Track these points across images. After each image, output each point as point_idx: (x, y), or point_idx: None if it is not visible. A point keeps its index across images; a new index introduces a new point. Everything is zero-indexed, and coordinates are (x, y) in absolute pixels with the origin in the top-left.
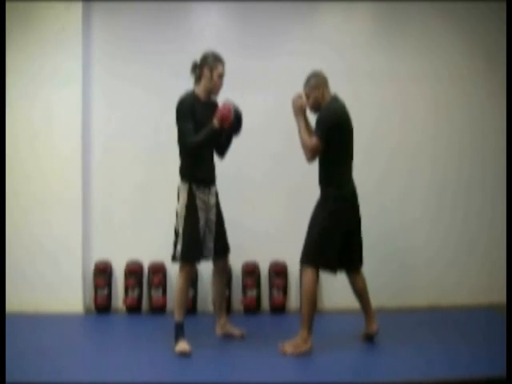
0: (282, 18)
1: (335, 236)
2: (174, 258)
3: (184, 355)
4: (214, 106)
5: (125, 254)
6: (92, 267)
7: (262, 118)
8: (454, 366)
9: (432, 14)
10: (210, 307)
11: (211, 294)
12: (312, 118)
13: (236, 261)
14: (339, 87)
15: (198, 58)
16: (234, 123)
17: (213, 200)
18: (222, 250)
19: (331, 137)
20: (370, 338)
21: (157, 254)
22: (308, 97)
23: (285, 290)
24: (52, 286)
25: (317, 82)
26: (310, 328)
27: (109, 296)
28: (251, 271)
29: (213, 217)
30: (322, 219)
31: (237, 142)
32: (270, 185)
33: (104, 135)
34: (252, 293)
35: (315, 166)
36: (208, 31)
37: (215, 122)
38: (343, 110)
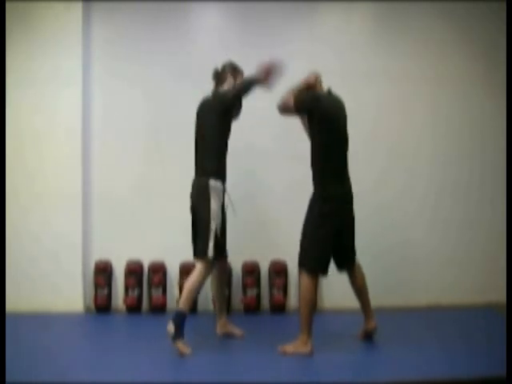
0: (281, 18)
1: (324, 238)
2: (204, 253)
3: (183, 355)
4: None
5: (125, 253)
6: (92, 266)
7: (261, 118)
8: (453, 365)
9: (432, 14)
10: (211, 307)
11: (212, 293)
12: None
13: (236, 260)
14: (338, 87)
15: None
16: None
17: (226, 198)
18: (224, 249)
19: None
20: (368, 336)
21: (157, 254)
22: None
23: (285, 289)
24: (52, 285)
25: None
26: (309, 331)
27: (109, 295)
28: (251, 270)
29: (225, 215)
30: (310, 223)
31: (236, 141)
32: (270, 184)
33: (104, 134)
34: (252, 292)
35: None
36: (208, 31)
37: (258, 75)
38: (337, 101)
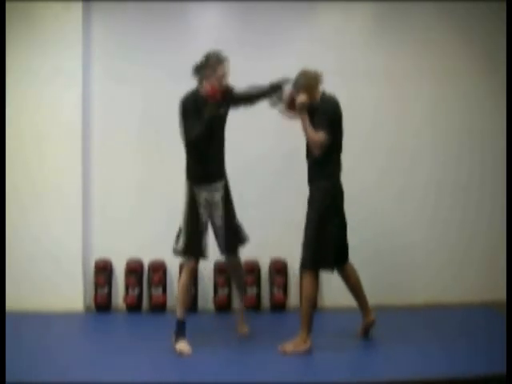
0: (281, 17)
1: (331, 232)
2: (176, 252)
3: (184, 355)
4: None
5: (125, 252)
6: (92, 265)
7: (261, 118)
8: (453, 364)
9: (431, 13)
10: (211, 306)
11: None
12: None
13: None
14: (337, 87)
15: (198, 58)
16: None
17: (218, 196)
18: (230, 246)
19: (333, 128)
20: (367, 332)
21: (157, 252)
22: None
23: (285, 287)
24: (52, 284)
25: (306, 83)
26: (309, 329)
27: (109, 294)
28: (251, 269)
29: (219, 212)
30: (315, 221)
31: (236, 140)
32: (270, 183)
33: (104, 134)
34: (252, 291)
35: None
36: (208, 30)
37: (208, 105)
38: (338, 103)
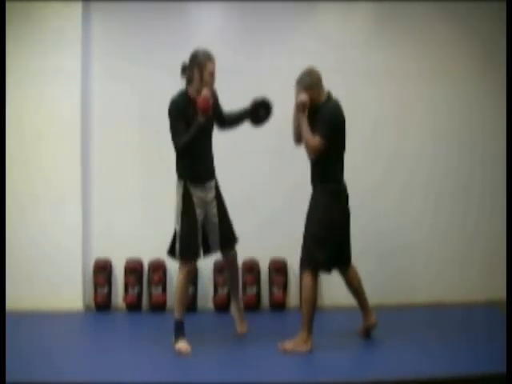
0: (281, 16)
1: (332, 234)
2: (173, 254)
3: (183, 355)
4: None
5: (125, 251)
6: (92, 265)
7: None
8: (454, 363)
9: (432, 13)
10: (210, 305)
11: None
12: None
13: None
14: (338, 86)
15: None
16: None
17: (211, 195)
18: (227, 243)
19: (333, 136)
20: (368, 332)
21: (157, 252)
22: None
23: (285, 287)
24: (52, 283)
25: (311, 83)
26: (309, 329)
27: (109, 294)
28: (251, 268)
29: (214, 211)
30: (319, 220)
31: (236, 139)
32: (270, 182)
33: (103, 134)
34: (252, 290)
35: None
36: (207, 29)
37: (199, 116)
38: (341, 108)
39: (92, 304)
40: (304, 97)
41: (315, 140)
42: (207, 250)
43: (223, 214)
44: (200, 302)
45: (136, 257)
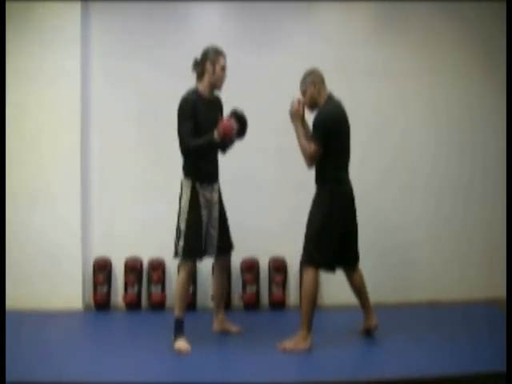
0: (281, 15)
1: (334, 234)
2: (176, 254)
3: (183, 354)
4: (217, 102)
5: (124, 250)
6: (91, 264)
7: (261, 116)
8: (454, 362)
9: (432, 12)
10: (210, 303)
11: (212, 290)
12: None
13: (235, 257)
14: (338, 85)
15: (197, 55)
16: (237, 133)
17: (216, 197)
18: (225, 247)
19: (329, 139)
20: (369, 333)
21: (156, 251)
22: (304, 94)
23: (284, 286)
24: (52, 282)
25: (313, 79)
26: (309, 327)
27: (108, 293)
28: (250, 267)
29: (216, 214)
30: (319, 219)
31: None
32: (270, 181)
33: (103, 133)
34: (251, 289)
35: None
36: (207, 29)
37: (216, 134)
38: (338, 109)
39: (92, 303)
40: (298, 106)
41: (310, 148)
42: (204, 253)
43: (223, 218)
44: (199, 301)
45: (135, 256)
